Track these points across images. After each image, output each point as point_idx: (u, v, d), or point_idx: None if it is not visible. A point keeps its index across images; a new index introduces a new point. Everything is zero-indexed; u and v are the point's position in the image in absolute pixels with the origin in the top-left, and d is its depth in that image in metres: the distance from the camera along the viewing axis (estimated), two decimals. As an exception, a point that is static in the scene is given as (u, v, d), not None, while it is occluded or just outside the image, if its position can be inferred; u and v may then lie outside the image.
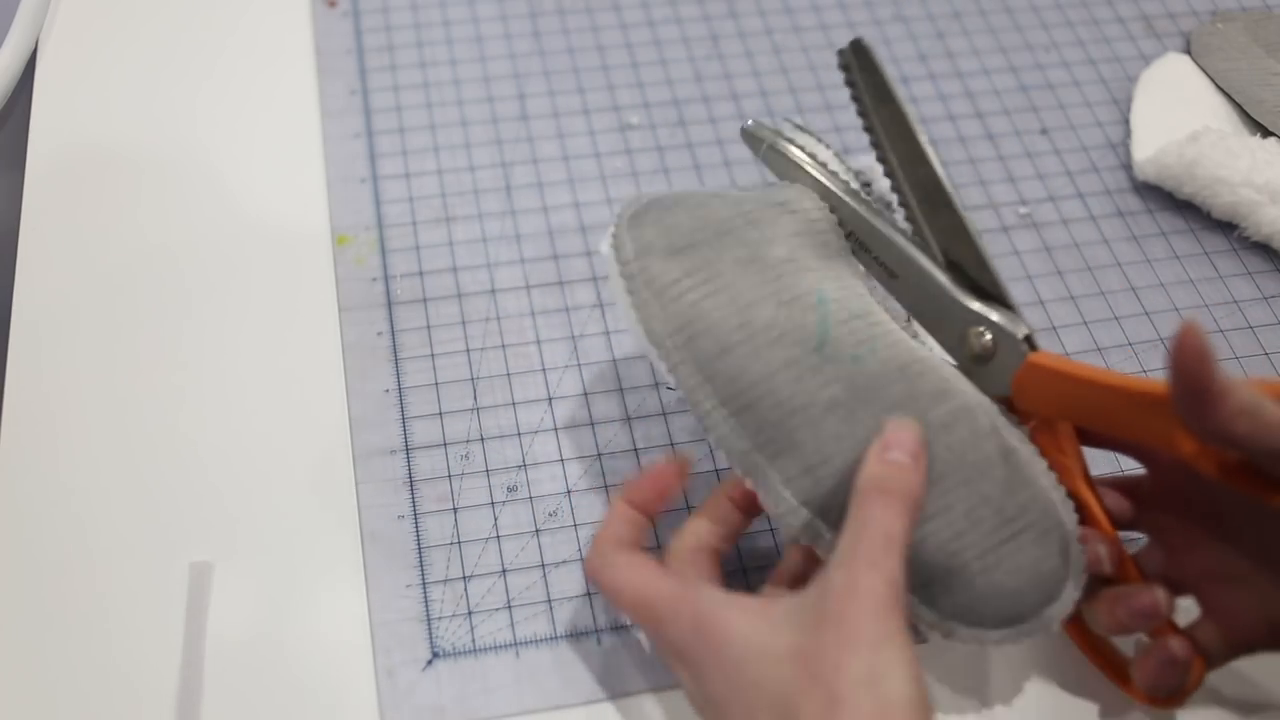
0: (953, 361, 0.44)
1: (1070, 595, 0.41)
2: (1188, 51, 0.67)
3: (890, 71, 0.45)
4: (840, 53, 0.45)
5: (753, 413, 0.41)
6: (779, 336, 0.41)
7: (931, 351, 0.43)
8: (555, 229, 0.59)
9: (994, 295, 0.43)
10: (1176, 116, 0.63)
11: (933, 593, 0.41)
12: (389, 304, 0.55)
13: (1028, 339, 0.42)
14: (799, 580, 0.43)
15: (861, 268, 0.46)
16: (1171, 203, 0.61)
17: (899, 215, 0.46)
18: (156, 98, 0.62)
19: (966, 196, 0.61)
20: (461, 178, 0.60)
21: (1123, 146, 0.64)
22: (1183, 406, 0.36)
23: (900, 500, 0.38)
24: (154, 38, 0.65)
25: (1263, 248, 0.60)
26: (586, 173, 0.61)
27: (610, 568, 0.42)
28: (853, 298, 0.43)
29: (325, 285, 0.56)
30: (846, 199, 0.45)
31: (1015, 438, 0.42)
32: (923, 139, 0.44)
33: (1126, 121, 0.65)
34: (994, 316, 0.43)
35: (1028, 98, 0.66)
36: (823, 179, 0.46)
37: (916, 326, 0.46)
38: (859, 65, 0.45)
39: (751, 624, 0.38)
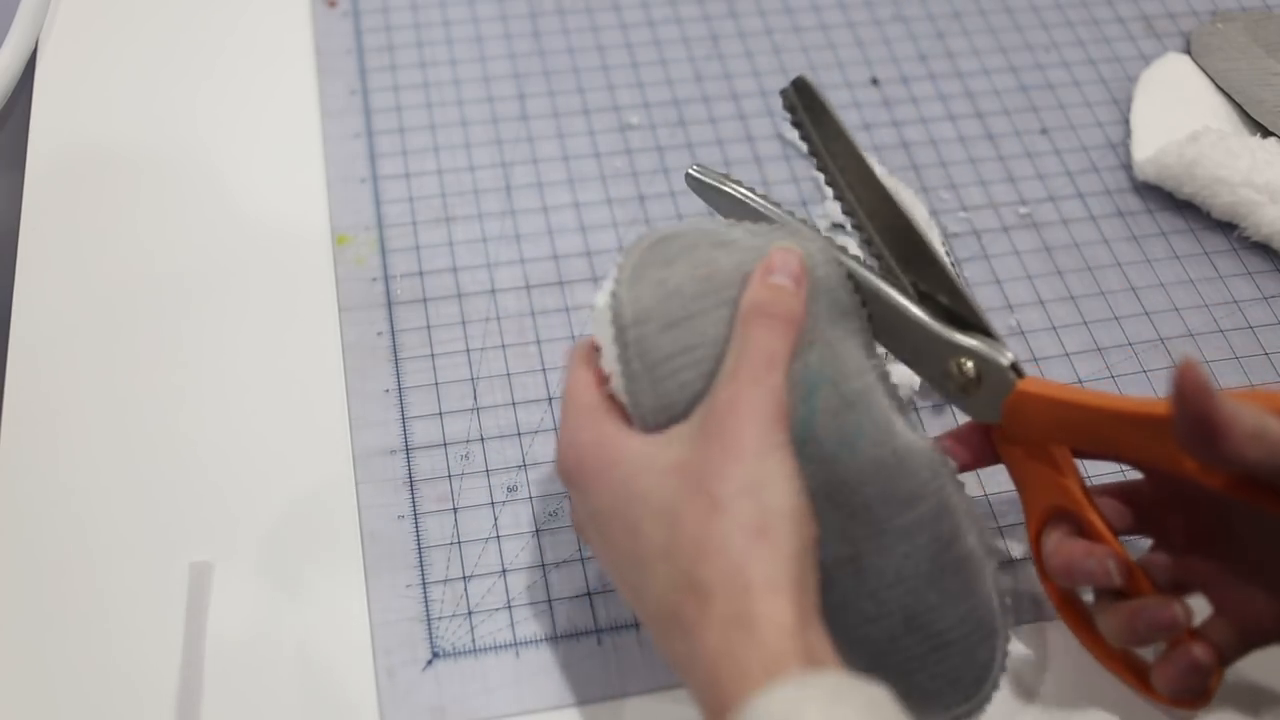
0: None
1: (983, 698, 0.42)
2: (1188, 51, 0.67)
3: (835, 105, 0.44)
4: (783, 93, 0.44)
5: None
6: None
7: (916, 432, 0.42)
8: (555, 229, 0.59)
9: (973, 323, 0.43)
10: (1176, 116, 0.63)
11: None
12: (389, 304, 0.55)
13: (1014, 367, 0.42)
14: None
15: (868, 323, 0.43)
16: (1171, 203, 0.61)
17: (864, 252, 0.44)
18: (156, 98, 0.62)
19: (966, 196, 0.61)
20: (461, 178, 0.60)
21: (1123, 146, 0.64)
22: (1191, 443, 0.36)
23: (782, 322, 0.39)
24: (154, 38, 0.65)
25: (1263, 248, 0.60)
26: (586, 173, 0.61)
27: (579, 353, 0.42)
28: (850, 377, 0.41)
29: (325, 285, 0.56)
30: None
31: (973, 535, 0.41)
32: (879, 172, 0.43)
33: (1126, 121, 0.65)
34: (976, 346, 0.42)
35: (1028, 98, 0.66)
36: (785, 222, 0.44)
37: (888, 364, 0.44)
38: (804, 104, 0.44)
39: (643, 443, 0.39)
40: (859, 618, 0.40)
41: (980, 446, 0.45)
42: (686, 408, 0.39)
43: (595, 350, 0.42)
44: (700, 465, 0.37)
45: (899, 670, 0.41)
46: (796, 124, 0.44)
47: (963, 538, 0.41)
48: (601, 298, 0.41)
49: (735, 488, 0.36)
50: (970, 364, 0.42)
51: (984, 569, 0.42)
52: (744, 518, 0.36)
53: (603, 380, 0.41)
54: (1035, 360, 0.55)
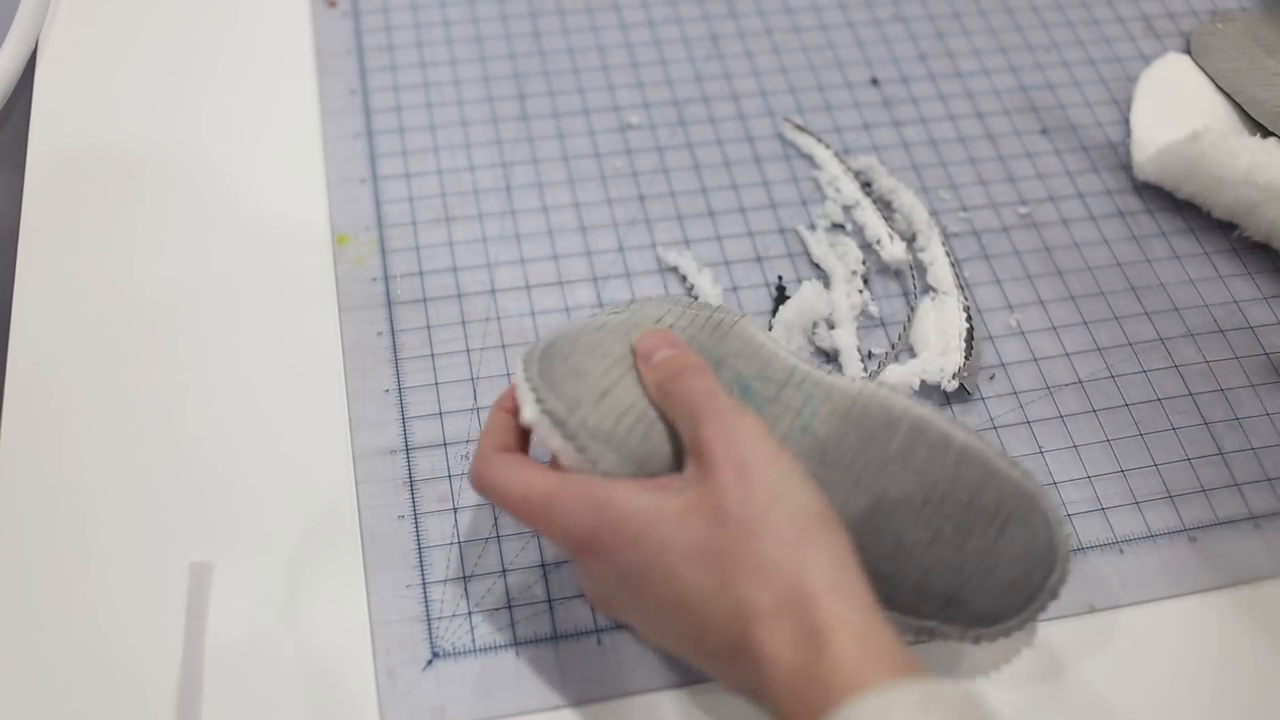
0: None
1: (1064, 557, 0.43)
2: (1188, 51, 0.67)
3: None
4: None
5: None
6: None
7: (844, 370, 0.45)
8: (555, 229, 0.59)
9: None
10: (1176, 116, 0.63)
11: (950, 613, 0.42)
12: (389, 304, 0.55)
13: None
14: None
15: (753, 328, 0.46)
16: (1171, 203, 0.61)
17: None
18: (157, 98, 0.62)
19: (966, 196, 0.61)
20: (461, 178, 0.60)
21: (1123, 146, 0.64)
22: None
23: (692, 369, 0.41)
24: (154, 38, 0.65)
25: (1263, 248, 0.60)
26: (586, 173, 0.61)
27: (494, 467, 0.42)
28: (766, 365, 0.45)
29: (325, 285, 0.56)
30: None
31: (960, 430, 0.44)
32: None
33: (1126, 121, 0.65)
34: None
35: (1028, 98, 0.66)
36: None
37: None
38: None
39: (644, 496, 0.39)
40: (919, 546, 0.42)
41: None
42: (658, 457, 0.41)
43: (507, 447, 0.43)
44: (716, 498, 0.37)
45: (982, 573, 0.42)
46: None
47: (952, 435, 0.43)
48: (529, 412, 0.43)
49: (760, 505, 0.36)
50: None
51: (986, 451, 0.44)
52: (782, 530, 0.36)
53: (543, 465, 0.42)
54: (1035, 360, 0.55)
